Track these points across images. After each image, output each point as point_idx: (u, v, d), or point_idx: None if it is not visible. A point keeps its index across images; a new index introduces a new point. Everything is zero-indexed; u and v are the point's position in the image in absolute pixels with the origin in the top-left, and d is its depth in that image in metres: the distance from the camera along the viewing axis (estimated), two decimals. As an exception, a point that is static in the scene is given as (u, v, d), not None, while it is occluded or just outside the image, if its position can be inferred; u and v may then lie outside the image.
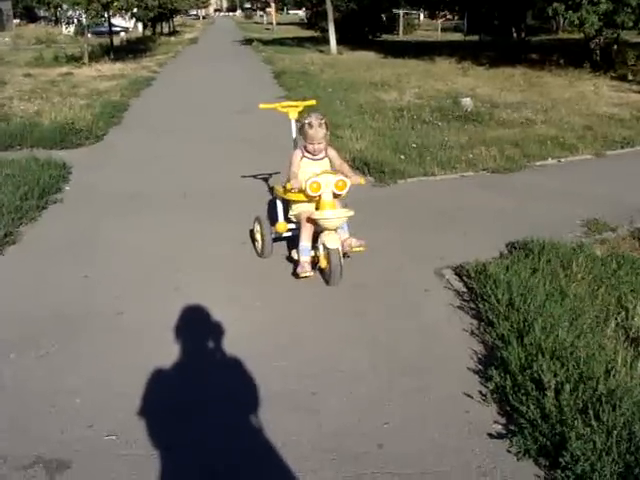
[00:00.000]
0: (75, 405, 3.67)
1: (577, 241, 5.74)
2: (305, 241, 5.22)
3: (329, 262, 5.07)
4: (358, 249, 5.37)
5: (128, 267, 5.63)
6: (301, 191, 5.15)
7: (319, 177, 5.09)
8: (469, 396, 3.71)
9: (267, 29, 61.23)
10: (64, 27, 35.00)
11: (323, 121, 5.29)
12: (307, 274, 5.14)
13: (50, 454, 3.26)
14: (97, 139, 11.29)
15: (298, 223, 5.40)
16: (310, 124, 5.24)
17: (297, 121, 5.76)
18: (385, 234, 6.21)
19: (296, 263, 5.29)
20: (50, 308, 4.87)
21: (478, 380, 3.86)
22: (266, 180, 7.46)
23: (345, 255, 5.36)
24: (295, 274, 5.25)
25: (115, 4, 25.61)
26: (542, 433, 3.20)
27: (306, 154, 5.36)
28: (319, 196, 5.08)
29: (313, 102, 6.56)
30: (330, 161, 5.44)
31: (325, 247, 5.07)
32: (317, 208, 5.14)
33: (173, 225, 6.69)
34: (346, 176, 5.24)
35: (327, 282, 5.17)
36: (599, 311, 4.42)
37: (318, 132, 5.24)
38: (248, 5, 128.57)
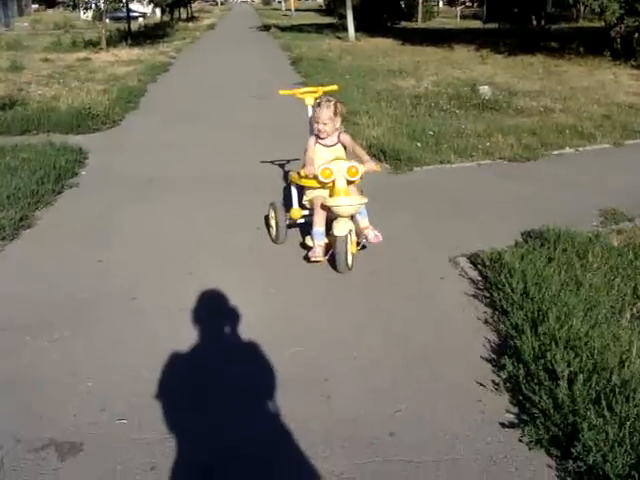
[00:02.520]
0: (88, 388, 3.69)
1: (593, 231, 5.69)
2: (318, 226, 5.20)
3: (335, 249, 5.06)
4: (374, 241, 5.34)
5: (143, 252, 5.64)
6: (314, 177, 5.14)
7: (331, 163, 5.07)
8: (482, 385, 3.69)
9: (285, 15, 60.99)
10: (82, 12, 35.03)
11: (332, 103, 5.26)
12: (318, 259, 5.13)
13: (62, 437, 3.28)
14: (113, 124, 11.35)
15: (312, 209, 5.37)
16: (318, 103, 5.26)
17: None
18: (401, 221, 6.19)
19: (309, 249, 5.28)
20: (64, 292, 4.90)
21: (491, 369, 3.84)
22: (283, 166, 7.44)
23: (361, 246, 5.34)
24: (306, 258, 5.25)
25: (133, -11, 25.65)
26: (554, 423, 3.18)
27: (319, 140, 5.35)
28: (332, 183, 5.06)
29: (335, 87, 6.44)
30: (344, 147, 5.41)
31: (333, 234, 5.06)
32: (331, 195, 5.12)
33: (188, 210, 6.71)
34: (361, 161, 5.22)
35: (336, 269, 5.16)
36: (614, 301, 4.37)
37: (322, 111, 5.22)
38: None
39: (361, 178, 5.17)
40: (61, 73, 17.44)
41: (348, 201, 5.04)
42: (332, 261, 5.17)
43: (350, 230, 5.09)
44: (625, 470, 2.82)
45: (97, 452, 3.18)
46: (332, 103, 5.27)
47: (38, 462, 3.11)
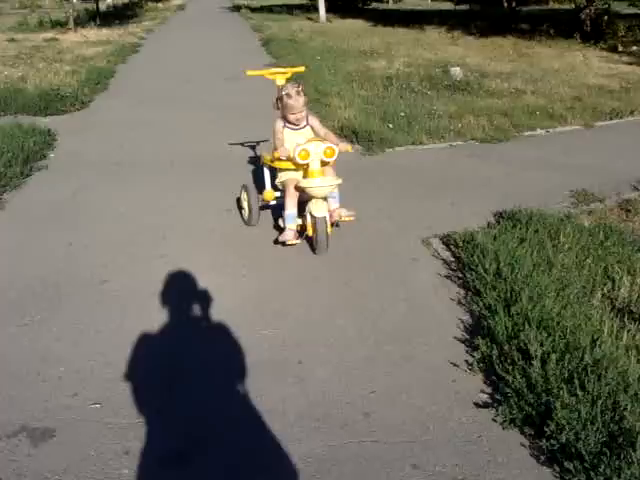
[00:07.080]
0: (59, 373, 3.65)
1: (565, 211, 5.73)
2: (290, 209, 5.16)
3: (315, 231, 5.03)
4: (347, 219, 5.33)
5: (113, 235, 5.58)
6: (289, 159, 5.09)
7: (308, 144, 5.03)
8: (455, 365, 3.71)
9: (255, -4, 60.45)
10: (49, -9, 34.36)
11: (301, 89, 5.25)
12: (292, 242, 5.10)
13: (34, 423, 3.24)
14: (82, 106, 11.15)
15: (285, 191, 5.34)
16: (289, 94, 5.20)
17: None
18: (373, 203, 6.18)
19: (281, 231, 5.24)
20: (34, 276, 4.83)
21: (465, 349, 3.86)
22: (253, 148, 7.38)
23: (334, 224, 5.33)
24: (280, 242, 5.20)
25: (101, -32, 25.24)
26: (528, 402, 3.20)
27: (287, 124, 5.31)
28: (307, 164, 5.02)
29: (302, 69, 6.46)
30: (313, 130, 5.39)
31: (312, 215, 5.03)
32: (305, 176, 5.08)
33: (159, 192, 6.64)
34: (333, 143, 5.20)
35: (314, 251, 5.14)
36: (586, 281, 4.42)
37: (298, 101, 5.20)
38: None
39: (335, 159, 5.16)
40: (28, 54, 17.12)
41: (323, 182, 5.01)
42: (308, 243, 5.16)
43: (328, 211, 5.07)
44: (597, 448, 2.85)
45: (70, 437, 3.15)
46: (302, 89, 5.25)
47: (10, 448, 3.07)
